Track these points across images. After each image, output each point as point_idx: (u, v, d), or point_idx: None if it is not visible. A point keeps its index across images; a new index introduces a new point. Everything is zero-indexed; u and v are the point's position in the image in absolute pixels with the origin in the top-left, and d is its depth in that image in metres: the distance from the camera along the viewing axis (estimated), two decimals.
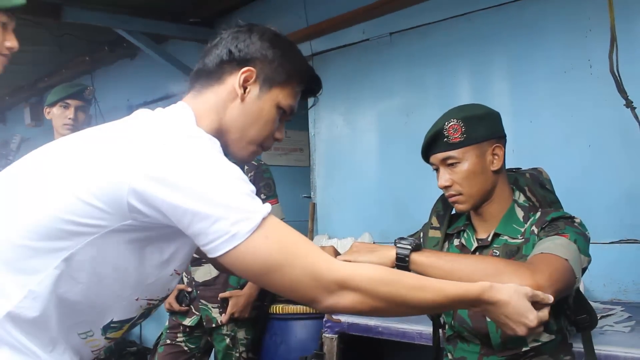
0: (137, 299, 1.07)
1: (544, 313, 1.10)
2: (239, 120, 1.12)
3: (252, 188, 0.99)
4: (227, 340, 2.53)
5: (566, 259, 1.30)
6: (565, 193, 1.65)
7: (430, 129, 1.52)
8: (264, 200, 2.80)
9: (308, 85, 1.20)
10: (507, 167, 1.61)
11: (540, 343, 1.42)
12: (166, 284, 1.11)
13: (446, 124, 1.48)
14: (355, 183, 3.34)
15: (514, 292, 1.08)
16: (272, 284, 0.98)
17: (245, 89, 1.11)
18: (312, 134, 3.58)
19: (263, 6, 3.79)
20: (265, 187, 2.54)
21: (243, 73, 1.11)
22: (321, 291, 0.97)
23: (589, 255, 1.40)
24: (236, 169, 0.99)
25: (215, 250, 0.94)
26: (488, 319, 1.44)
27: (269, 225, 0.96)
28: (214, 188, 0.94)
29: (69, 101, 2.73)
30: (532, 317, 1.07)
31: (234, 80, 1.11)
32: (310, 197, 3.65)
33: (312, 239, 3.41)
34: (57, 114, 2.75)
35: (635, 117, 1.87)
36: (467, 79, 2.87)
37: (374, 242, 3.03)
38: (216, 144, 1.04)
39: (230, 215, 0.93)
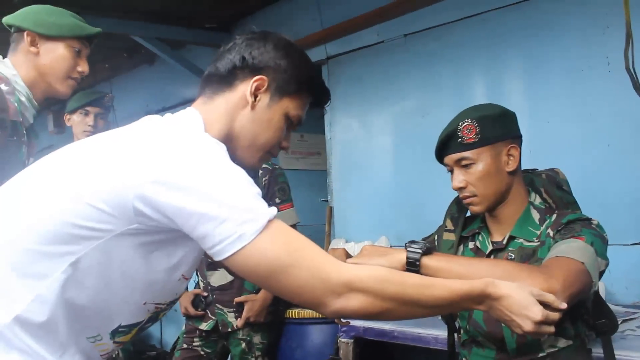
0: (144, 304, 1.07)
1: (555, 314, 1.08)
2: (248, 128, 1.12)
3: (258, 190, 0.98)
4: (243, 344, 2.53)
5: (582, 262, 1.27)
6: (584, 194, 1.62)
7: (444, 130, 1.50)
8: (278, 204, 2.80)
9: (317, 97, 1.20)
10: (523, 168, 1.58)
11: (557, 349, 1.39)
12: (174, 288, 1.10)
13: (460, 124, 1.46)
14: (371, 186, 3.32)
15: (516, 287, 1.07)
16: (278, 286, 0.97)
17: (256, 97, 1.12)
18: (328, 137, 3.57)
19: (278, 10, 3.79)
20: (280, 191, 2.54)
21: (255, 81, 1.11)
22: (329, 294, 0.95)
23: (606, 258, 1.36)
24: (241, 171, 0.99)
25: (221, 252, 0.94)
26: (503, 324, 1.42)
27: (275, 227, 0.95)
28: (219, 189, 0.94)
29: (88, 108, 2.79)
30: (537, 310, 1.05)
31: (245, 88, 1.11)
32: (327, 201, 3.64)
33: (329, 242, 3.40)
34: (77, 121, 2.82)
35: None
36: (483, 79, 2.84)
37: (390, 246, 3.01)
38: (222, 148, 1.04)
39: (236, 216, 0.92)
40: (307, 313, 2.63)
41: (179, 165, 0.94)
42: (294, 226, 2.54)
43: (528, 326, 1.05)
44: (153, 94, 5.04)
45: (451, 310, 1.23)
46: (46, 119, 6.06)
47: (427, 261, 1.31)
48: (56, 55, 1.77)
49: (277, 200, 2.52)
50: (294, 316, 2.68)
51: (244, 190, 0.96)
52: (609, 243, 1.40)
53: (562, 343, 1.39)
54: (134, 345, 3.44)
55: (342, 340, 2.23)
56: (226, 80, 1.13)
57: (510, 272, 1.23)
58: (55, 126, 5.96)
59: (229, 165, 0.99)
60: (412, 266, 1.30)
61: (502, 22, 2.69)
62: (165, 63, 4.42)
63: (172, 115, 1.11)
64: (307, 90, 1.16)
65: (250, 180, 0.98)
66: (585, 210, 1.54)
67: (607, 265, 1.36)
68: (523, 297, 1.06)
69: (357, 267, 1.01)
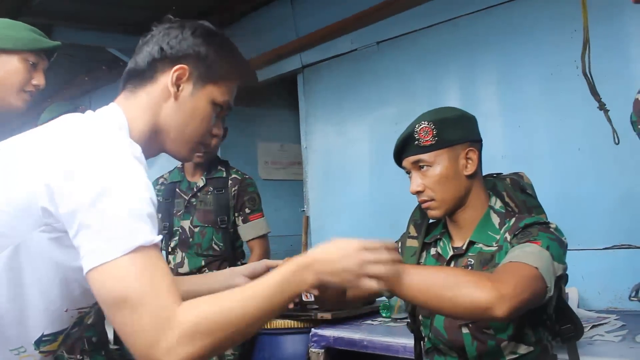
0: (66, 310, 1.03)
1: (377, 266, 1.04)
2: (174, 119, 1.09)
3: (151, 211, 0.91)
4: (214, 356, 2.48)
5: (536, 267, 1.23)
6: (556, 198, 1.59)
7: (402, 133, 1.48)
8: (248, 214, 2.73)
9: (243, 80, 1.17)
10: (497, 172, 1.57)
11: (517, 355, 1.36)
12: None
13: (417, 126, 1.44)
14: (348, 194, 3.30)
15: (328, 245, 1.04)
16: (115, 318, 0.88)
17: (178, 87, 1.09)
18: (304, 146, 3.55)
19: (254, 21, 3.79)
20: (249, 202, 2.50)
21: (175, 71, 1.08)
22: (164, 341, 0.85)
23: (564, 262, 1.33)
24: (143, 185, 0.92)
25: (85, 265, 0.88)
26: (464, 331, 1.39)
27: (144, 255, 0.88)
28: (105, 202, 0.88)
29: None
30: (352, 261, 1.02)
31: (166, 79, 1.09)
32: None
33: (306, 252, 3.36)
34: None
35: (608, 119, 1.81)
36: (456, 84, 2.84)
37: None
38: (136, 150, 0.98)
39: (110, 231, 0.87)
40: (280, 323, 2.59)
41: (79, 170, 0.90)
42: (265, 235, 2.51)
43: (352, 279, 1.01)
44: None
45: (289, 301, 1.03)
46: None
47: None
48: (9, 68, 1.75)
49: (247, 211, 2.48)
50: (266, 326, 2.63)
51: (132, 207, 0.89)
52: (580, 248, 1.38)
53: (523, 349, 1.36)
54: None
55: (313, 350, 2.21)
56: (147, 73, 1.10)
57: (457, 279, 1.19)
58: None
59: (129, 176, 0.92)
60: None
61: (474, 27, 2.70)
62: None
63: (92, 112, 1.08)
64: (232, 74, 1.13)
65: (148, 198, 0.91)
66: (557, 214, 1.52)
67: (565, 269, 1.33)
68: (336, 251, 1.02)
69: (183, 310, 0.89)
